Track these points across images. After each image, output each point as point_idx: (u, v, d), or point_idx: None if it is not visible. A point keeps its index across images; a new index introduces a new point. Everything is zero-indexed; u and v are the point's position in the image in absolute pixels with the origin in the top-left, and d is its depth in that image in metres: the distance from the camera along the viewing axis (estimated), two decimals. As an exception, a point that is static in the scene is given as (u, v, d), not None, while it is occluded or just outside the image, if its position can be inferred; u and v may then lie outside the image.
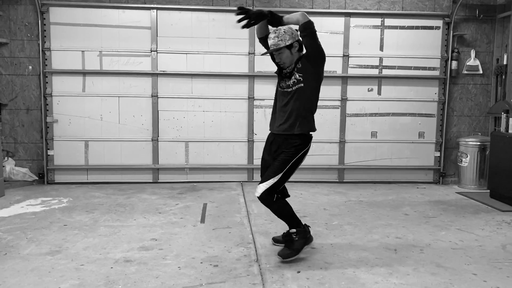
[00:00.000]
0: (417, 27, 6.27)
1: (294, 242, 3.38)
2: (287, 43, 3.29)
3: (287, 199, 3.50)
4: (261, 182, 3.32)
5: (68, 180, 6.11)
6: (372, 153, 6.41)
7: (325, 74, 6.22)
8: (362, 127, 6.37)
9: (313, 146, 6.26)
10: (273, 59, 3.46)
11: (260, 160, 3.60)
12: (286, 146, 3.35)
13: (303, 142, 3.37)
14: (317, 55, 3.30)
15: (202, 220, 4.41)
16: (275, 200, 3.34)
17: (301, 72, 3.31)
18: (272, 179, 3.29)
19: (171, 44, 6.05)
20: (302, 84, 3.30)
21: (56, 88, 6.01)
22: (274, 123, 3.47)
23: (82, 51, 5.98)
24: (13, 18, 5.88)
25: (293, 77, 3.32)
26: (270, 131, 3.53)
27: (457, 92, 6.44)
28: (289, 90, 3.35)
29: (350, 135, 6.37)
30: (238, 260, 3.39)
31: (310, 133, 3.43)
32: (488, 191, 5.65)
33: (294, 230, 3.39)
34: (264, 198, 3.30)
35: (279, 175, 3.29)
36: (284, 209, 3.40)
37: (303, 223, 3.53)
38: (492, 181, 5.53)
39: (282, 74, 3.42)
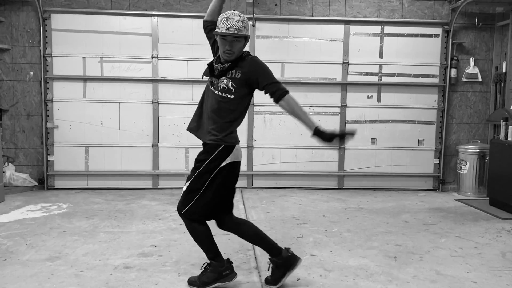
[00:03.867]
0: (416, 35, 6.30)
1: (205, 273, 3.00)
2: (247, 34, 2.85)
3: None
4: (181, 197, 2.94)
5: (68, 185, 6.12)
6: (372, 160, 6.42)
7: (325, 81, 6.33)
8: (362, 134, 6.38)
9: (312, 152, 6.39)
10: (213, 46, 3.02)
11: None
12: (206, 156, 2.89)
13: (223, 154, 2.90)
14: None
15: (202, 227, 4.42)
16: (193, 221, 2.93)
17: (235, 84, 2.84)
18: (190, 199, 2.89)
19: (172, 50, 6.08)
20: (232, 96, 2.86)
21: (57, 94, 6.03)
22: (202, 126, 2.96)
23: (83, 57, 6.00)
24: (15, 24, 5.91)
25: (225, 81, 2.84)
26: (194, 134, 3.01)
27: (457, 100, 6.46)
28: (218, 93, 2.86)
29: (350, 142, 6.34)
30: (237, 267, 3.38)
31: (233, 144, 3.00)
32: (488, 198, 5.65)
33: (208, 262, 3.02)
34: (184, 216, 2.93)
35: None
36: (201, 235, 2.97)
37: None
38: (492, 189, 5.54)
39: (213, 70, 2.88)
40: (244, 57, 2.90)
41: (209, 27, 3.07)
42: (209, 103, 2.92)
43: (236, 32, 2.76)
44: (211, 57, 3.09)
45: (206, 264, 3.05)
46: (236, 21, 2.76)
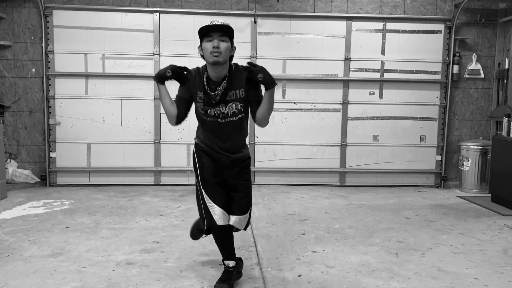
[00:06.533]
0: (418, 31, 6.28)
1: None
2: (232, 35, 2.72)
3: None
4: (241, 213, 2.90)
5: (70, 182, 6.13)
6: (374, 156, 6.42)
7: (327, 78, 6.32)
8: (364, 130, 6.38)
9: (314, 149, 6.39)
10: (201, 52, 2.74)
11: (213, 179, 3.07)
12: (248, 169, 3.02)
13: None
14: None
15: (204, 223, 4.43)
16: None
17: (243, 103, 2.77)
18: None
19: (173, 47, 6.07)
20: (243, 114, 2.81)
21: (58, 91, 6.03)
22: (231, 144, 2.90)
23: (85, 54, 6.01)
24: (17, 21, 5.91)
25: (233, 106, 2.75)
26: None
27: (459, 96, 6.44)
28: (231, 119, 2.78)
29: (352, 139, 6.37)
30: (239, 263, 3.39)
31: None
32: (490, 195, 5.64)
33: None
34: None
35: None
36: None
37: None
38: (494, 185, 5.53)
39: (209, 95, 2.76)
40: (237, 70, 2.78)
41: (186, 111, 3.07)
42: (224, 133, 2.84)
43: (222, 22, 2.64)
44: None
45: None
46: (220, 22, 2.65)
